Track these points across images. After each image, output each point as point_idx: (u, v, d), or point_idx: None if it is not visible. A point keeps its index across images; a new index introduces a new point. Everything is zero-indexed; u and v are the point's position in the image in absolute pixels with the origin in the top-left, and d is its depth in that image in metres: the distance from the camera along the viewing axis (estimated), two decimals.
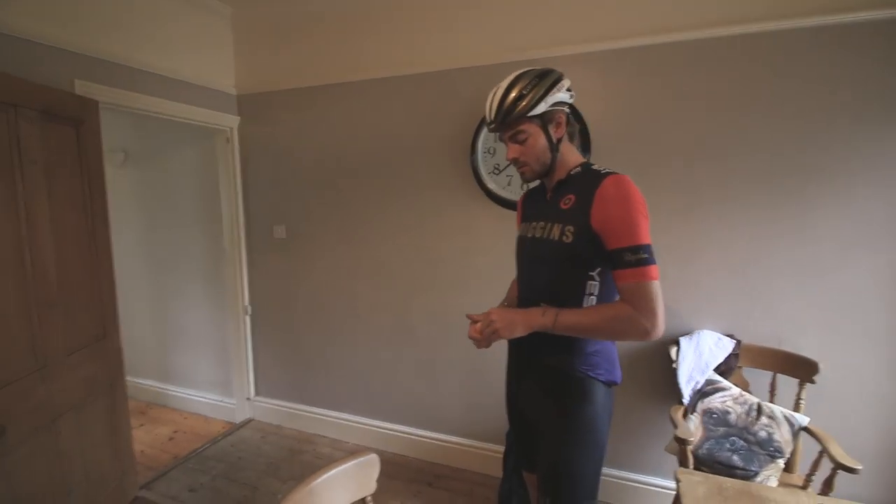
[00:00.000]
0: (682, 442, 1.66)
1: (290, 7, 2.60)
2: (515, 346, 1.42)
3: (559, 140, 1.27)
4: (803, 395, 1.79)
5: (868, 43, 1.72)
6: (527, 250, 1.35)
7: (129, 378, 2.72)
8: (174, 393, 3.30)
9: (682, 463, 1.68)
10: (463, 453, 2.52)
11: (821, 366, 1.76)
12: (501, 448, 2.24)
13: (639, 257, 1.09)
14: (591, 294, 1.22)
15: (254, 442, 2.82)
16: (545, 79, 1.23)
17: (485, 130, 2.21)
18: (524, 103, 1.20)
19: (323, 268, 2.77)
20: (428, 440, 2.60)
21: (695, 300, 2.03)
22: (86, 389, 1.97)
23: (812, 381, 1.77)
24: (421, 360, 2.59)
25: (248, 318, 3.01)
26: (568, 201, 1.23)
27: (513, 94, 1.21)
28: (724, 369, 1.90)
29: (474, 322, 1.26)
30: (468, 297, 2.41)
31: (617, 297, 1.18)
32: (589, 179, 1.21)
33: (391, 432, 2.69)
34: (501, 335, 1.20)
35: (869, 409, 1.85)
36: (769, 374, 1.89)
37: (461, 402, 2.53)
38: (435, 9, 2.32)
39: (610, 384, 1.28)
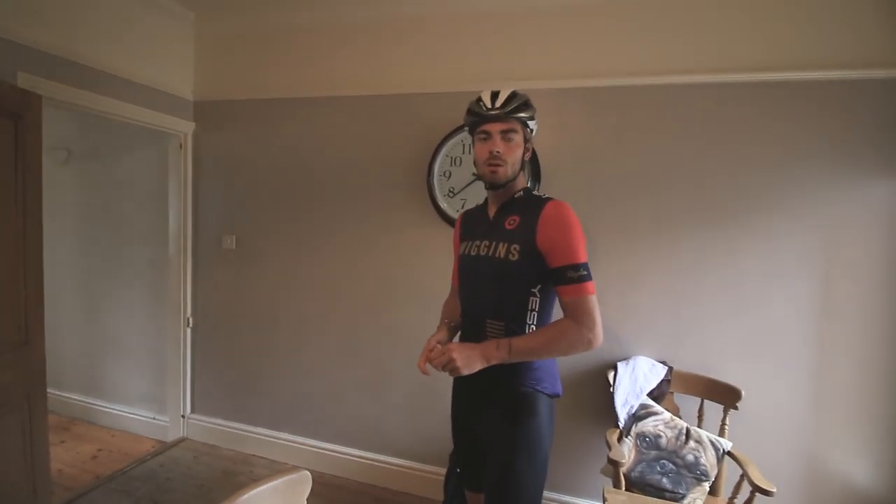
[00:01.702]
0: (614, 464, 1.71)
1: (255, 18, 2.61)
2: None
3: (524, 162, 1.37)
4: (727, 421, 1.90)
5: (790, 101, 1.92)
6: (471, 268, 1.39)
7: (51, 391, 2.52)
8: (102, 408, 3.08)
9: (615, 485, 1.74)
10: (406, 476, 2.48)
11: (743, 393, 1.88)
12: (444, 470, 2.23)
13: (580, 274, 1.21)
14: (533, 310, 1.29)
15: (185, 462, 2.66)
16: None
17: (442, 153, 2.27)
18: (529, 111, 1.32)
19: (272, 281, 2.71)
20: (371, 462, 2.55)
21: (632, 327, 2.13)
22: None
23: (735, 408, 1.88)
24: (368, 379, 2.56)
25: (189, 331, 2.88)
26: (513, 222, 1.32)
27: (521, 98, 1.32)
28: (657, 394, 1.99)
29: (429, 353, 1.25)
30: (419, 317, 2.42)
31: (552, 313, 1.27)
32: (532, 203, 1.32)
33: (333, 454, 2.62)
34: (461, 372, 1.20)
35: (785, 434, 1.98)
36: (698, 399, 1.99)
37: (407, 423, 2.50)
38: (398, 34, 2.40)
39: (553, 396, 1.33)
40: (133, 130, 2.68)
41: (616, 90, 2.10)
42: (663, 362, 2.06)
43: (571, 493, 2.21)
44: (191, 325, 2.87)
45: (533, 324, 1.29)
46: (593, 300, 1.21)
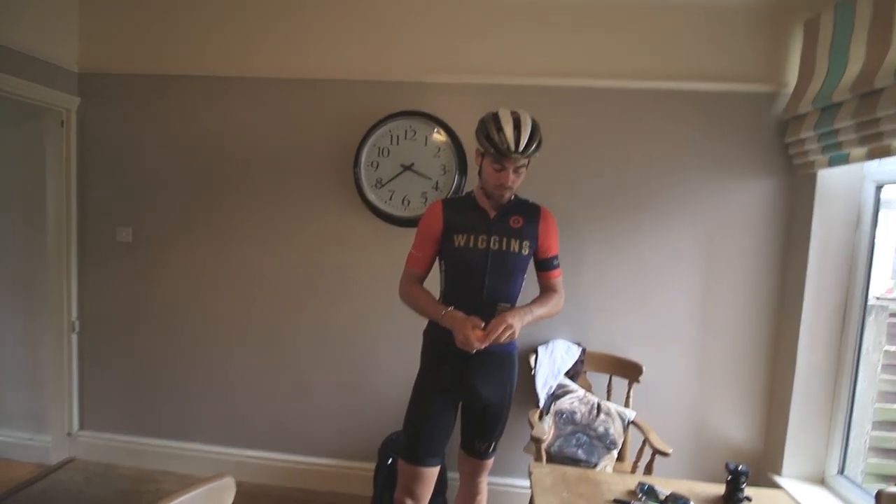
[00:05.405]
0: (536, 441, 1.83)
1: None
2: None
3: None
4: (631, 393, 2.11)
5: (681, 108, 2.16)
6: (480, 259, 1.54)
7: None
8: None
9: (537, 459, 1.85)
10: (332, 475, 2.42)
11: (644, 368, 2.10)
12: (372, 465, 2.22)
13: (559, 262, 1.66)
14: (519, 292, 1.61)
15: (74, 486, 2.34)
16: None
17: (369, 143, 2.23)
18: (541, 145, 1.47)
19: (177, 277, 2.48)
20: (294, 465, 2.45)
21: None
22: None
23: (638, 381, 2.10)
24: (290, 377, 2.45)
25: (74, 337, 2.53)
26: (517, 221, 1.57)
27: (539, 134, 1.46)
28: (573, 373, 2.16)
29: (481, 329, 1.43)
30: (345, 309, 2.37)
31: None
32: (527, 207, 1.62)
33: (252, 460, 2.47)
34: (514, 337, 1.45)
35: (677, 401, 2.26)
36: (606, 376, 2.20)
37: (332, 421, 2.44)
38: (323, 17, 2.30)
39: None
40: None
41: (532, 89, 2.21)
42: (578, 344, 2.23)
43: (499, 475, 2.30)
44: (77, 329, 2.53)
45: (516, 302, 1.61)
46: None
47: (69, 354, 2.51)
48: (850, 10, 1.69)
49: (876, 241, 1.95)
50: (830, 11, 1.80)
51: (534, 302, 1.60)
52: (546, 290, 1.67)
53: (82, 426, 2.59)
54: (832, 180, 1.97)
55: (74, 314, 2.52)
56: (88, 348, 2.56)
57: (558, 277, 1.67)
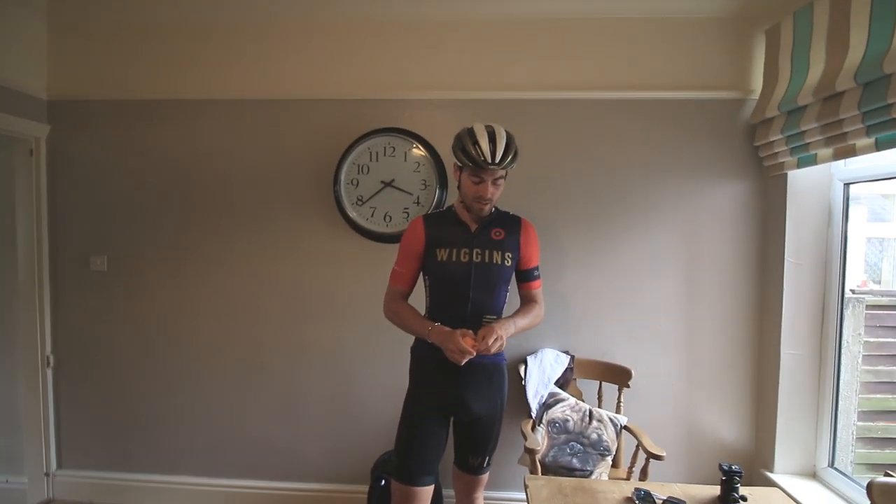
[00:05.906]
0: (531, 452, 1.81)
1: (125, 7, 2.30)
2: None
3: None
4: (622, 399, 2.12)
5: (657, 116, 2.21)
6: (464, 272, 1.54)
7: None
8: None
9: (532, 471, 1.84)
10: (324, 500, 2.36)
11: (633, 372, 2.10)
12: (365, 487, 2.17)
13: (539, 273, 1.68)
14: (505, 303, 1.63)
15: None
16: None
17: (348, 161, 2.22)
18: (517, 157, 1.50)
19: (155, 305, 2.41)
20: (284, 492, 2.38)
21: None
22: None
23: (628, 386, 2.11)
24: (277, 402, 2.39)
25: (49, 372, 2.43)
26: (498, 234, 1.58)
27: (514, 146, 1.50)
28: (563, 382, 2.15)
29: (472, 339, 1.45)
30: (330, 329, 2.34)
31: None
32: (508, 219, 1.64)
33: (240, 490, 2.40)
34: (502, 347, 1.47)
35: (667, 405, 2.27)
36: (596, 382, 2.20)
37: (322, 444, 2.38)
38: (300, 35, 2.30)
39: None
40: None
41: (508, 103, 2.24)
42: (566, 352, 2.24)
43: (495, 489, 2.27)
44: (52, 364, 2.43)
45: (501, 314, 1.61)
46: None
47: (44, 390, 2.41)
48: (809, 18, 1.76)
49: (848, 236, 2.01)
50: (790, 19, 1.87)
51: (515, 314, 1.61)
52: (526, 301, 1.69)
53: (60, 465, 2.48)
54: (802, 180, 2.03)
55: (49, 348, 2.43)
56: (64, 383, 2.46)
57: (538, 288, 1.69)
